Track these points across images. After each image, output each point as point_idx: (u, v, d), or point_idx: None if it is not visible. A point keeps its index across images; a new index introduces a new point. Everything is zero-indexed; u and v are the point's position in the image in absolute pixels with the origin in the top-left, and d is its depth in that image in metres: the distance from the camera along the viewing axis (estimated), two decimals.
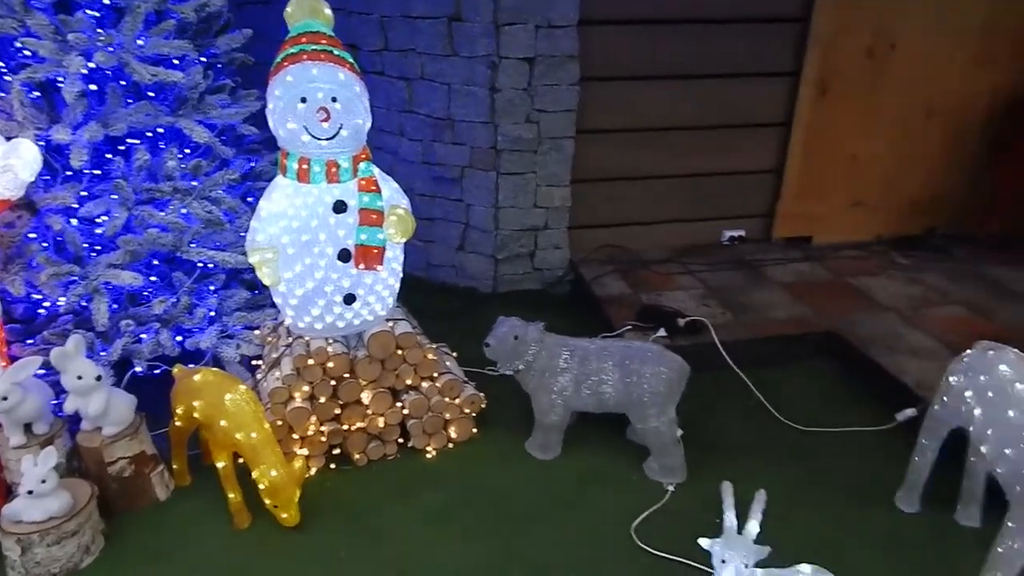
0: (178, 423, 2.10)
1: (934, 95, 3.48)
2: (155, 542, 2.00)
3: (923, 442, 2.01)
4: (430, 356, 2.32)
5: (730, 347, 2.79)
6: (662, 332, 2.78)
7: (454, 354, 2.61)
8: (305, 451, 2.20)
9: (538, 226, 3.42)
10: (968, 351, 1.87)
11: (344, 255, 2.05)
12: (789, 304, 3.08)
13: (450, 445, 2.40)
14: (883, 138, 3.53)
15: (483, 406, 2.43)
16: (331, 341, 2.21)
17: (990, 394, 1.72)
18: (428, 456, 2.35)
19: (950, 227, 3.73)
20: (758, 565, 1.58)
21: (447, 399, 2.35)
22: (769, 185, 3.63)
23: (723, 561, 1.53)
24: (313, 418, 2.18)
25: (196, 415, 2.01)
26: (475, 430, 2.44)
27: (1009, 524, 1.57)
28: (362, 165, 2.04)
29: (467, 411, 2.40)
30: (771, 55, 3.35)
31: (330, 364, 2.16)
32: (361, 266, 2.06)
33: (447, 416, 2.37)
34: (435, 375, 2.35)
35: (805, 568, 1.62)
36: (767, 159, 3.58)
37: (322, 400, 2.19)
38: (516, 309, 3.36)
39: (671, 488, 2.19)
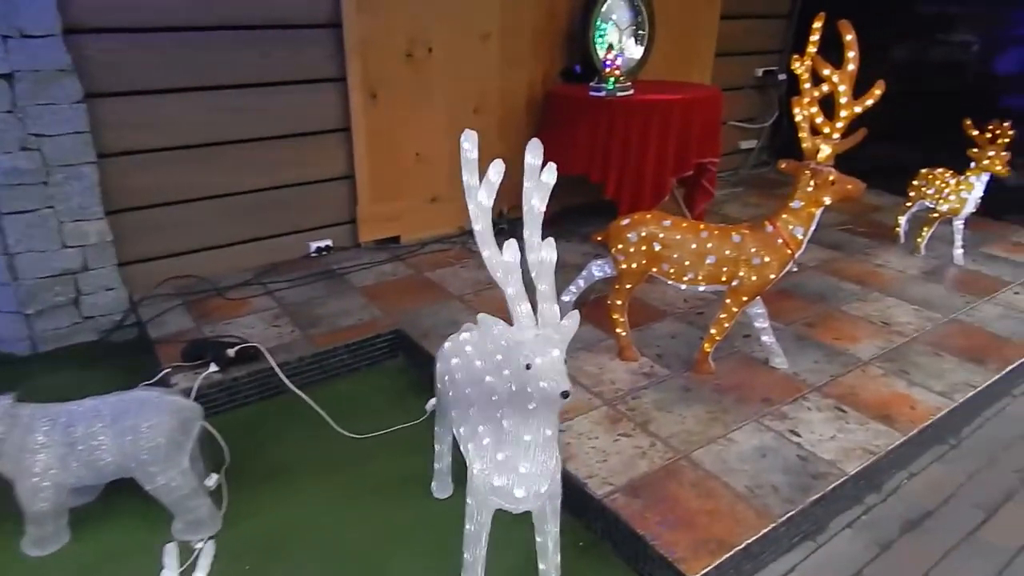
0: None
1: (477, 93, 3.79)
2: None
3: (437, 429, 2.09)
4: None
5: (294, 366, 2.68)
6: (213, 367, 2.55)
7: None
8: None
9: (74, 268, 2.92)
10: (451, 336, 1.97)
11: None
12: (361, 309, 3.08)
13: None
14: (441, 136, 3.74)
15: None
16: None
17: (458, 375, 1.81)
18: None
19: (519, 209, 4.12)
20: None
21: None
22: (346, 191, 3.61)
23: None
24: None
25: None
26: None
27: (468, 500, 1.67)
28: None
29: None
30: (316, 62, 3.31)
31: None
32: None
33: None
34: None
35: None
36: (339, 165, 3.55)
37: None
38: (66, 369, 2.87)
39: (200, 545, 1.98)
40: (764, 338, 2.64)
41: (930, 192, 3.67)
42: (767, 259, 2.34)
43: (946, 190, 3.57)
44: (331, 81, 3.37)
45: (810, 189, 2.25)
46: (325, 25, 3.26)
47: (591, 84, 3.57)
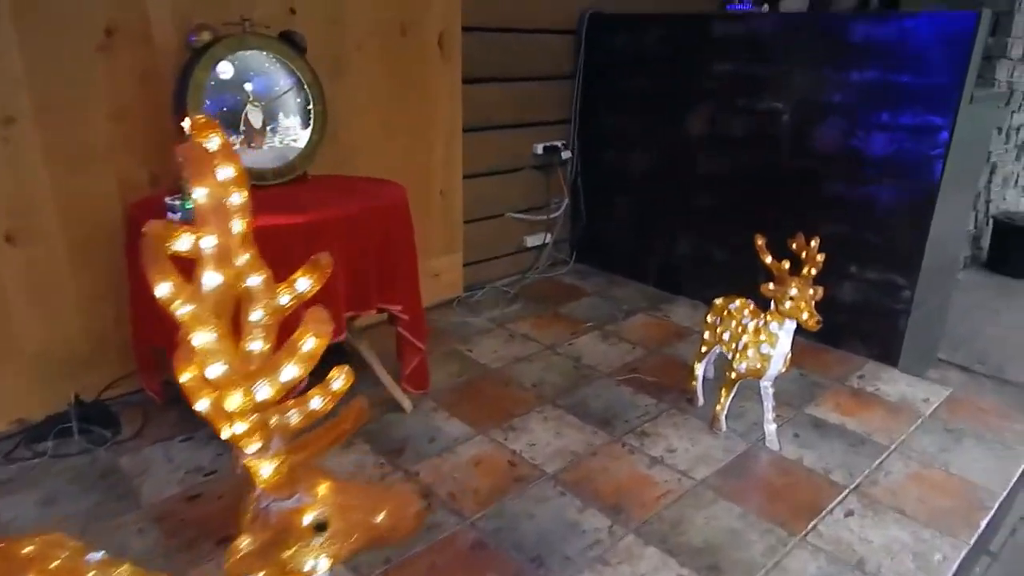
0: None
1: (9, 214, 2.30)
2: None
3: None
4: None
5: None
6: None
7: None
8: None
9: None
10: None
11: None
12: None
13: None
14: None
15: None
16: None
17: None
18: None
19: (125, 385, 2.64)
20: None
21: None
22: None
23: None
24: None
25: None
26: None
27: None
28: None
29: None
30: None
31: None
32: None
33: None
34: None
35: None
36: None
37: None
38: None
39: None
40: None
41: (725, 337, 2.46)
42: None
43: (743, 338, 2.36)
44: None
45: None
46: None
47: (167, 200, 2.16)
